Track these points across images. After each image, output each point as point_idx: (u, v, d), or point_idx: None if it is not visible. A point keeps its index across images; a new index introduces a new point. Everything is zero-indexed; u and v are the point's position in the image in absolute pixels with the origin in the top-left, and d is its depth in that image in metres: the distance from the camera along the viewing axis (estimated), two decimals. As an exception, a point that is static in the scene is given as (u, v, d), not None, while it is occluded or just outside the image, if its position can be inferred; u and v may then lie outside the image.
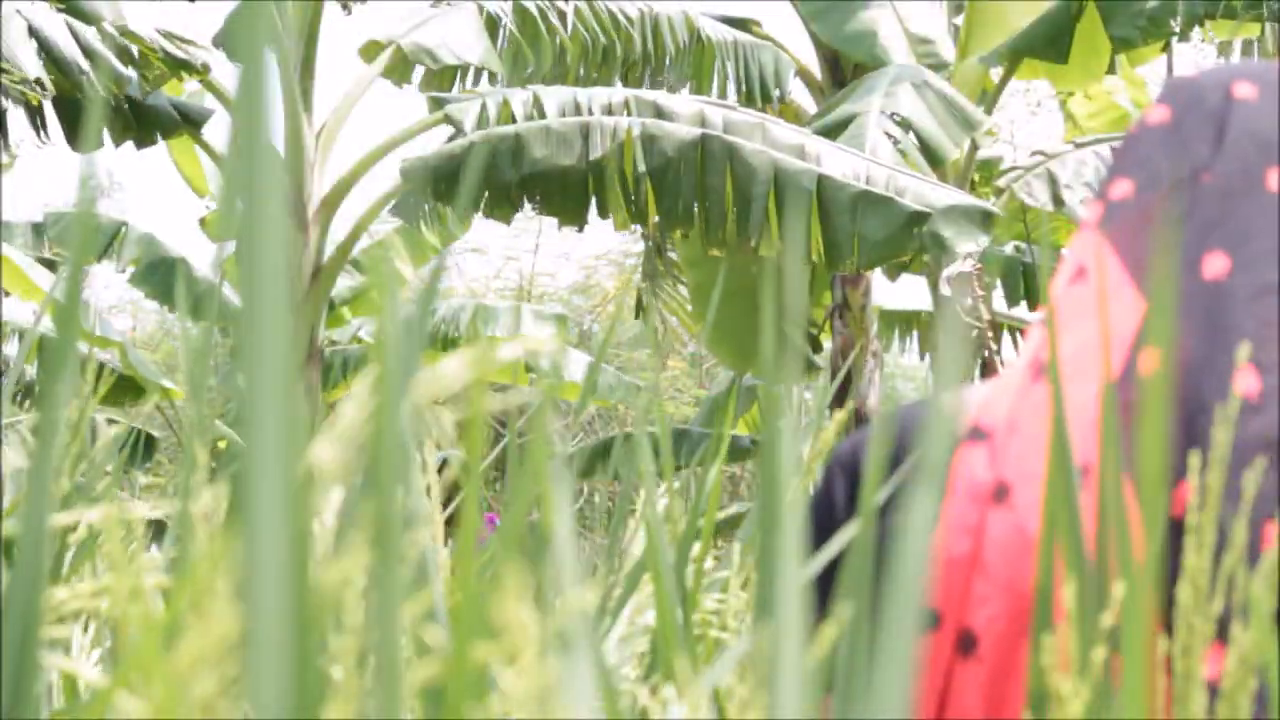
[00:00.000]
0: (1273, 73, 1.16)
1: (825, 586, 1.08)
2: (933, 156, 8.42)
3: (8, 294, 11.03)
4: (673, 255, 10.44)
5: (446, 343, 11.73)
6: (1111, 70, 9.78)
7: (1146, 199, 1.11)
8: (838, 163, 7.50)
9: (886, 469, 1.07)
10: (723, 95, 9.61)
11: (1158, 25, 9.21)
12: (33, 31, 7.44)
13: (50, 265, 12.26)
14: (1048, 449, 0.72)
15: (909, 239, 7.32)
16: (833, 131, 8.39)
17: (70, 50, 7.50)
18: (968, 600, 1.02)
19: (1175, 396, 1.02)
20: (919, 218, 7.28)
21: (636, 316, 11.01)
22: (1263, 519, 0.98)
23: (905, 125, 8.41)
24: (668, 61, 9.50)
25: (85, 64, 7.53)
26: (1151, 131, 1.14)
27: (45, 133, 8.04)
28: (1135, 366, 1.03)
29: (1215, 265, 1.06)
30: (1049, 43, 9.48)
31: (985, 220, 7.48)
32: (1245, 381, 1.02)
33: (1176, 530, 0.96)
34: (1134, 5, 9.27)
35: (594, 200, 7.54)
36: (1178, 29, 9.18)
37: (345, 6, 9.07)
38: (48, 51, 7.47)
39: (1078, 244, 1.12)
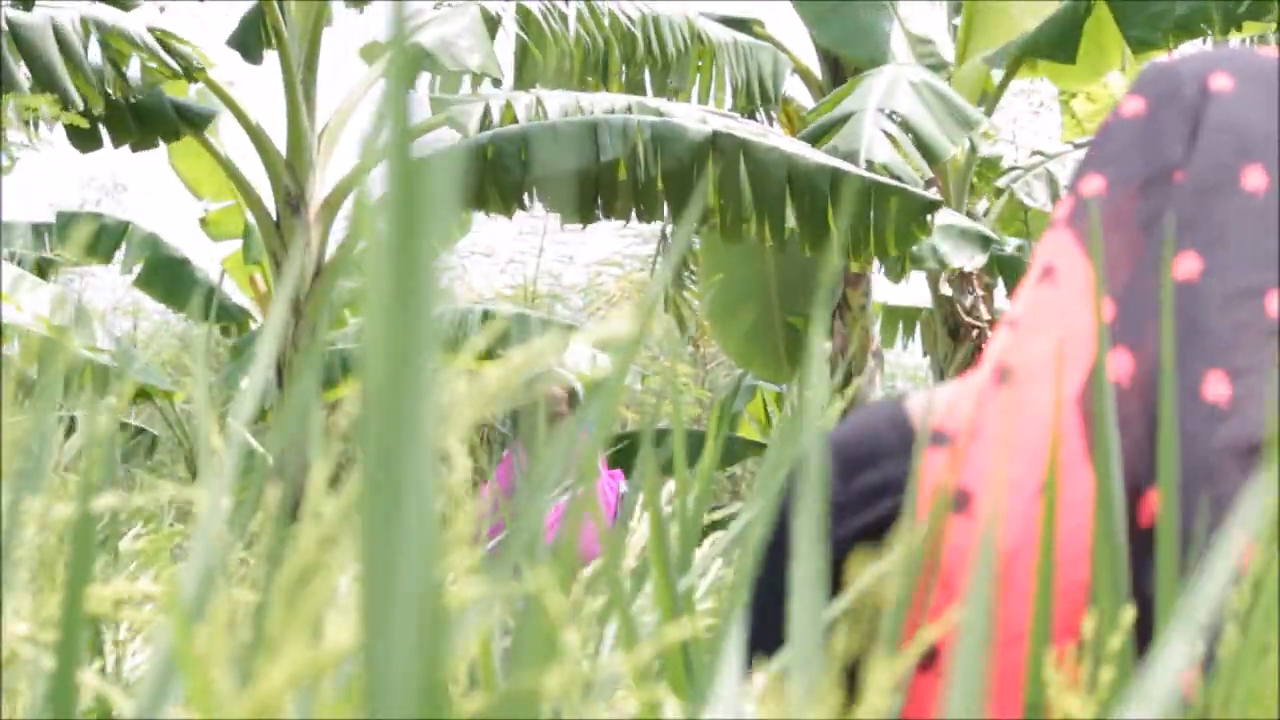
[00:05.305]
0: (1252, 62, 1.10)
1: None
2: (930, 154, 8.42)
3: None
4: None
5: (451, 346, 11.71)
6: (1121, 68, 9.70)
7: (1117, 196, 1.06)
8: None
9: (856, 469, 1.05)
10: (720, 100, 9.60)
11: (1188, 29, 9.02)
12: (16, 38, 7.42)
13: (51, 265, 12.25)
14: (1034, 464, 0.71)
15: (923, 227, 7.45)
16: (829, 128, 8.41)
17: (51, 57, 7.48)
18: (928, 610, 0.98)
19: (1142, 402, 0.98)
20: (931, 206, 7.42)
21: (665, 310, 11.04)
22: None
23: (903, 124, 8.42)
24: (668, 64, 9.50)
25: (64, 72, 7.51)
26: (1125, 124, 1.10)
27: (48, 132, 8.03)
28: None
29: (1187, 266, 1.01)
30: (1057, 44, 9.43)
31: (983, 243, 7.61)
32: (1216, 387, 0.97)
33: (1145, 539, 0.93)
34: (1154, 6, 9.14)
35: (602, 199, 7.56)
36: (1212, 33, 8.96)
37: (358, 6, 9.06)
38: (30, 60, 7.45)
39: (1047, 242, 1.08)
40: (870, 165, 7.97)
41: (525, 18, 9.33)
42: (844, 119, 8.46)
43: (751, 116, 9.15)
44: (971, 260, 7.54)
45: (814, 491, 0.64)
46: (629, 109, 7.66)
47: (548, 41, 9.33)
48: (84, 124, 7.73)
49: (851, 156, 7.96)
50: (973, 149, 9.73)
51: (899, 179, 7.89)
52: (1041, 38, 9.51)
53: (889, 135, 8.30)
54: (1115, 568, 0.74)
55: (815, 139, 8.24)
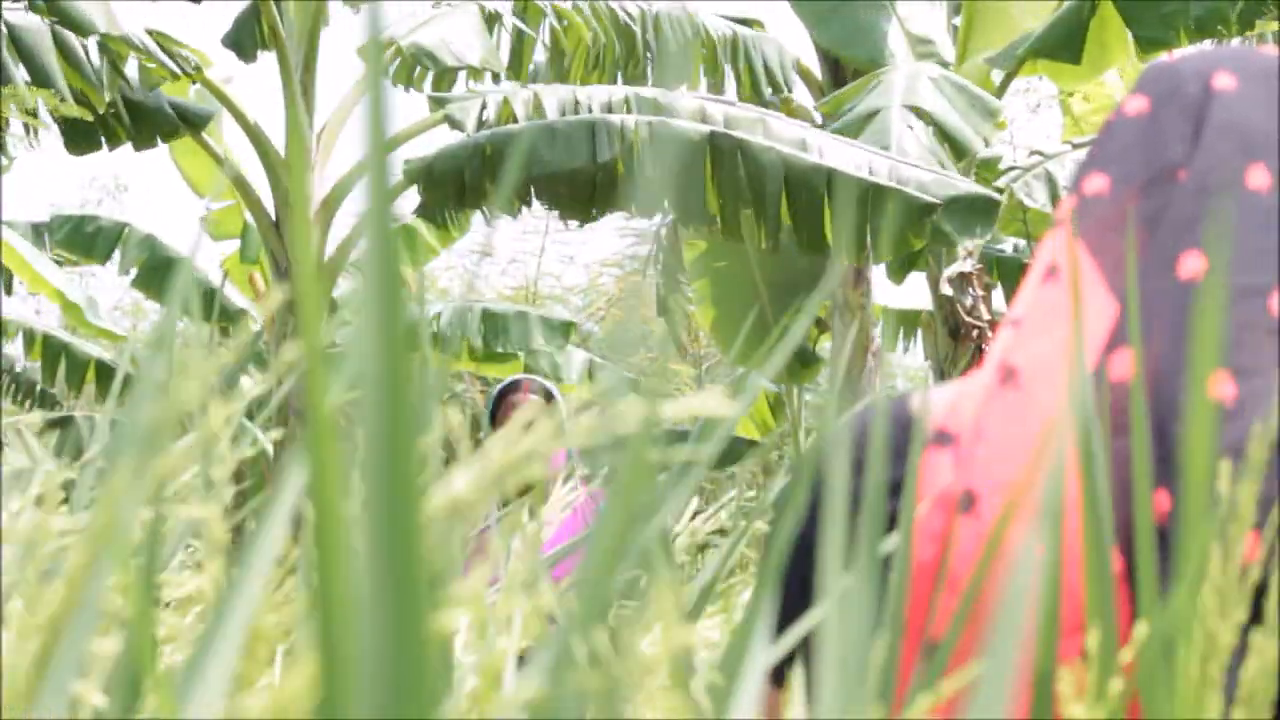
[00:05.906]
0: (1254, 60, 1.10)
1: (798, 585, 1.06)
2: (957, 149, 8.40)
3: (9, 290, 11.01)
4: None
5: (449, 345, 11.71)
6: (1123, 68, 9.65)
7: (1121, 195, 1.06)
8: (840, 155, 7.52)
9: (858, 469, 1.03)
10: (721, 90, 9.59)
11: (1202, 29, 8.93)
12: (14, 40, 7.41)
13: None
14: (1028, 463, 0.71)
15: (922, 230, 7.42)
16: (854, 126, 8.36)
17: (49, 62, 7.47)
18: (933, 609, 0.97)
19: (1147, 401, 0.97)
20: (930, 209, 7.40)
21: (659, 313, 11.02)
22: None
23: (928, 119, 8.39)
24: (668, 58, 9.48)
25: (62, 74, 7.50)
26: (1128, 123, 1.10)
27: (38, 137, 8.03)
28: (1106, 372, 0.99)
29: (1192, 265, 1.01)
30: (1062, 44, 9.40)
31: (989, 208, 7.53)
32: (1221, 387, 0.96)
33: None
34: (1167, 6, 9.07)
35: (601, 197, 7.55)
36: (1226, 33, 8.86)
37: (355, 5, 9.05)
38: (28, 61, 7.45)
39: (1050, 241, 1.07)
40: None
41: (524, 16, 9.33)
42: (870, 115, 8.41)
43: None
44: (979, 233, 7.48)
45: (839, 491, 0.64)
46: (626, 100, 7.65)
47: (547, 39, 9.33)
48: (86, 116, 7.72)
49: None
50: (985, 143, 9.70)
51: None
52: (1047, 38, 9.48)
53: (916, 131, 8.28)
54: (1103, 575, 0.74)
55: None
